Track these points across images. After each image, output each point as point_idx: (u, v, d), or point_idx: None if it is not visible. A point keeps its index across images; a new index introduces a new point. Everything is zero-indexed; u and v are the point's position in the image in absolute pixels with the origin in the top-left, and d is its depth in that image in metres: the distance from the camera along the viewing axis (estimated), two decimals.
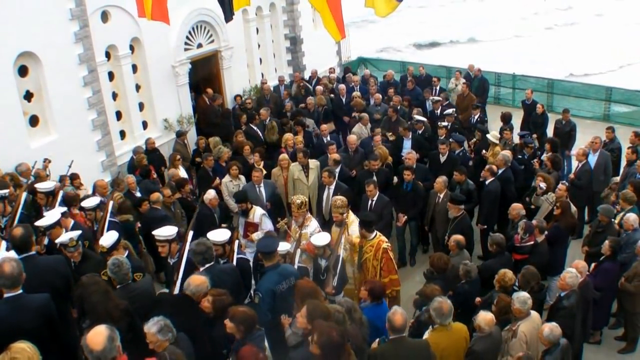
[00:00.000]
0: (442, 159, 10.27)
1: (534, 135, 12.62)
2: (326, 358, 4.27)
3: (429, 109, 14.04)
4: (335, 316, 4.79)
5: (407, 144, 11.01)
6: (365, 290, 5.99)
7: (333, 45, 18.60)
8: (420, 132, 11.59)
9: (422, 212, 9.49)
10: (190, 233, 6.25)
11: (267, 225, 8.20)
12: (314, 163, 9.95)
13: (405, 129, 11.16)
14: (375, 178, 9.25)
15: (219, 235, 6.37)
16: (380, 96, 13.71)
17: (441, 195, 8.95)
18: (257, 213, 8.23)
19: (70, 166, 8.95)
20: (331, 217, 7.95)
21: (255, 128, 12.35)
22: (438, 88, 14.97)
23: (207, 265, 5.76)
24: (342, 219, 7.48)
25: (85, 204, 7.71)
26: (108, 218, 7.36)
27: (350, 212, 7.81)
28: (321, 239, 6.77)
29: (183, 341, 4.59)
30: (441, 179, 9.01)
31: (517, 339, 5.71)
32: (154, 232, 6.41)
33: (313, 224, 7.89)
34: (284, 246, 6.71)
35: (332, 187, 9.03)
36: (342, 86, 14.68)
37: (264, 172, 9.86)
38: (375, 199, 8.74)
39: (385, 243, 7.19)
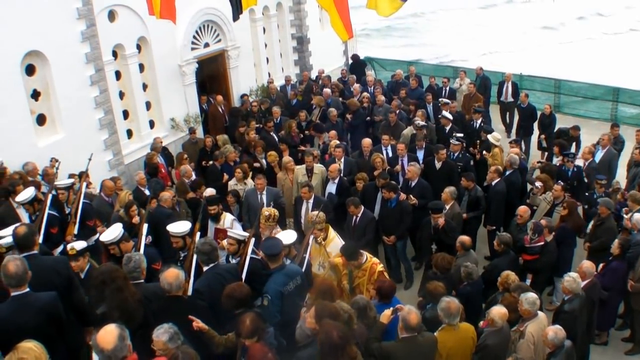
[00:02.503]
0: (438, 165, 9.77)
1: (542, 136, 12.59)
2: (324, 357, 4.26)
3: (431, 112, 13.70)
4: (342, 316, 4.78)
5: (420, 154, 10.42)
6: (374, 289, 5.97)
7: (340, 45, 18.58)
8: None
9: (410, 229, 8.93)
10: (145, 227, 6.28)
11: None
12: (318, 168, 9.78)
13: (420, 140, 10.53)
14: (356, 197, 8.62)
15: (178, 227, 6.36)
16: (383, 98, 13.47)
17: (447, 207, 8.50)
18: (228, 219, 7.95)
19: (57, 168, 8.92)
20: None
21: (272, 134, 12.02)
22: (448, 89, 14.89)
23: (211, 265, 5.74)
24: (320, 235, 7.25)
25: (61, 183, 8.14)
26: (82, 200, 7.50)
27: (331, 229, 7.53)
28: (287, 237, 6.46)
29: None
30: (449, 190, 8.59)
31: (525, 339, 5.70)
32: (100, 237, 6.45)
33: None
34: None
35: (311, 201, 8.68)
36: (357, 86, 14.50)
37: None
38: (359, 215, 8.36)
39: (379, 266, 6.74)
